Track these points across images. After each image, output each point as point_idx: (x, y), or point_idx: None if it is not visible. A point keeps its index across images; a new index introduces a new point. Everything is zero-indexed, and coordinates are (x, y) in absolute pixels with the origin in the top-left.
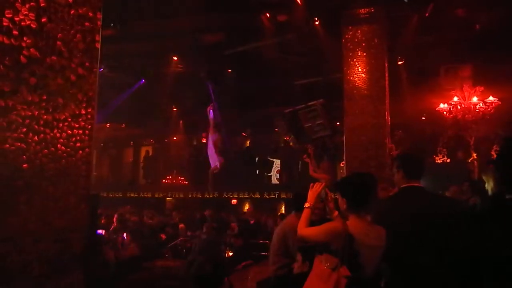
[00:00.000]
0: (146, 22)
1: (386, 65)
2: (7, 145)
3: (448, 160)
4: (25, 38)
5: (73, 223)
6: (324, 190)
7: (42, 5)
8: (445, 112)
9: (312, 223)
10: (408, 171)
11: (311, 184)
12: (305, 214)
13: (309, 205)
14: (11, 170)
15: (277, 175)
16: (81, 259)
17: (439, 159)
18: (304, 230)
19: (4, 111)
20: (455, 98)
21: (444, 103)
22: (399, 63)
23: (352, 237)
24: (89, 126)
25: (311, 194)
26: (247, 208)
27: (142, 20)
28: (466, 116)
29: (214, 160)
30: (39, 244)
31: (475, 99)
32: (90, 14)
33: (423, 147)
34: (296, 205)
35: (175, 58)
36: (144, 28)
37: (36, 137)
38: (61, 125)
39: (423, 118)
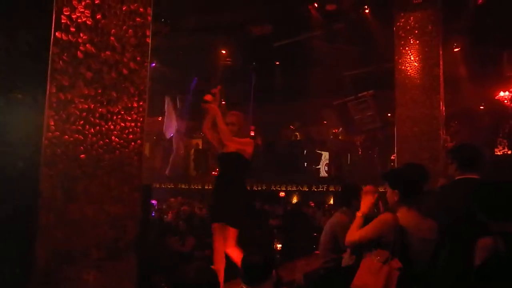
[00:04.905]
0: (195, 16)
1: (440, 52)
2: (67, 136)
3: (510, 152)
4: (81, 34)
5: (127, 211)
6: (378, 199)
7: (96, 2)
8: (506, 101)
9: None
10: (462, 162)
11: (364, 189)
12: (356, 222)
13: (361, 214)
14: (70, 160)
15: (326, 167)
16: (135, 245)
17: (499, 151)
18: (354, 234)
19: (63, 104)
20: None
21: (504, 91)
22: (455, 50)
23: (403, 229)
24: (141, 119)
25: (365, 203)
26: (295, 200)
27: (190, 14)
28: None
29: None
30: (97, 230)
31: None
32: (141, 9)
33: (482, 138)
34: (344, 201)
35: (224, 52)
36: (192, 22)
37: (92, 129)
38: (115, 117)
39: (482, 107)
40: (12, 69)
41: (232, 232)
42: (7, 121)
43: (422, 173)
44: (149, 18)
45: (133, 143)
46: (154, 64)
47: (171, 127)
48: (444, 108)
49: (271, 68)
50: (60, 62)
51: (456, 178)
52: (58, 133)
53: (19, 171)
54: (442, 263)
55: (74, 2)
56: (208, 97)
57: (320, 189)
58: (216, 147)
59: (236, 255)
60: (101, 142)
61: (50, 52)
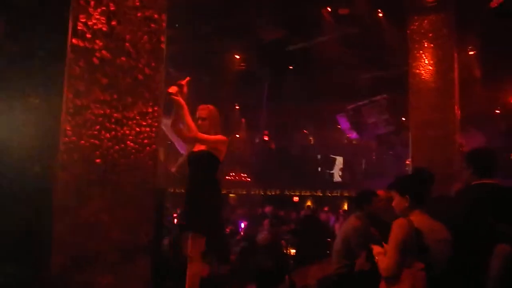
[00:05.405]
0: (209, 21)
1: (455, 56)
2: (83, 142)
3: None
4: (97, 41)
5: (141, 215)
6: None
7: (112, 9)
8: None
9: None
10: (478, 167)
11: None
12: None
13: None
14: (86, 164)
15: (340, 172)
16: (148, 249)
17: None
18: (384, 262)
19: (80, 109)
20: None
21: None
22: (470, 53)
23: (420, 232)
24: (156, 124)
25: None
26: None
27: (204, 19)
28: None
29: (183, 147)
30: (110, 234)
31: None
32: (156, 16)
33: (498, 142)
34: (357, 206)
35: (238, 57)
36: (207, 27)
37: (108, 134)
38: (130, 122)
39: (498, 111)
40: (29, 75)
41: (197, 242)
42: (25, 126)
43: (429, 177)
44: (164, 24)
45: (148, 148)
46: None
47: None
48: (459, 112)
49: (284, 73)
50: (77, 68)
51: (472, 183)
52: (74, 138)
53: (35, 176)
54: (457, 270)
55: (90, 9)
56: (172, 89)
57: (335, 194)
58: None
59: (195, 269)
60: (117, 147)
61: (67, 58)
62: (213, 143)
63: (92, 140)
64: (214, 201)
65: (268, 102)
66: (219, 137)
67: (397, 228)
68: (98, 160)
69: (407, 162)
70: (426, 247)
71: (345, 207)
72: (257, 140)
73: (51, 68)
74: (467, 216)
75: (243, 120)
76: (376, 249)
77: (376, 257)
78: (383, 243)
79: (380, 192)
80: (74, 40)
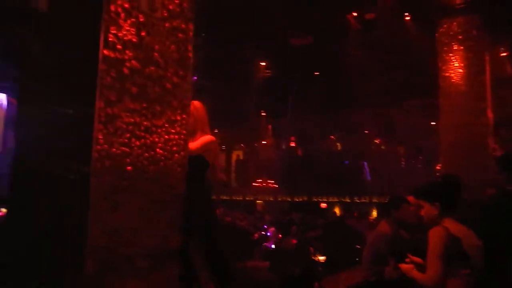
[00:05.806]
0: (234, 28)
1: (486, 58)
2: (114, 149)
3: None
4: (127, 51)
5: (169, 221)
6: None
7: (141, 20)
8: None
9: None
10: None
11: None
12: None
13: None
14: (117, 171)
15: (369, 178)
16: (177, 255)
17: None
18: (429, 276)
19: (111, 118)
20: None
21: None
22: (502, 54)
23: (457, 239)
24: (184, 131)
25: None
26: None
27: (230, 26)
28: None
29: None
30: (140, 239)
31: None
32: (183, 25)
33: None
34: (385, 211)
35: (263, 64)
36: (231, 34)
37: (138, 142)
38: (159, 130)
39: None
40: (63, 86)
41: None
42: (59, 135)
43: (457, 183)
44: (191, 33)
45: (176, 155)
46: (195, 78)
47: None
48: (492, 115)
49: (310, 79)
50: (108, 78)
51: (508, 188)
52: (106, 146)
53: (70, 183)
54: (495, 276)
55: (121, 21)
56: None
57: (363, 200)
58: None
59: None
60: (147, 154)
61: (99, 70)
62: (199, 150)
63: (123, 148)
64: (203, 204)
65: (294, 108)
66: (204, 140)
67: (435, 237)
68: (129, 168)
69: (437, 168)
70: (466, 253)
71: (374, 213)
72: (283, 147)
73: (83, 79)
74: (507, 221)
75: (269, 127)
76: (403, 267)
77: (408, 275)
78: (410, 255)
79: (410, 198)
80: (105, 52)
